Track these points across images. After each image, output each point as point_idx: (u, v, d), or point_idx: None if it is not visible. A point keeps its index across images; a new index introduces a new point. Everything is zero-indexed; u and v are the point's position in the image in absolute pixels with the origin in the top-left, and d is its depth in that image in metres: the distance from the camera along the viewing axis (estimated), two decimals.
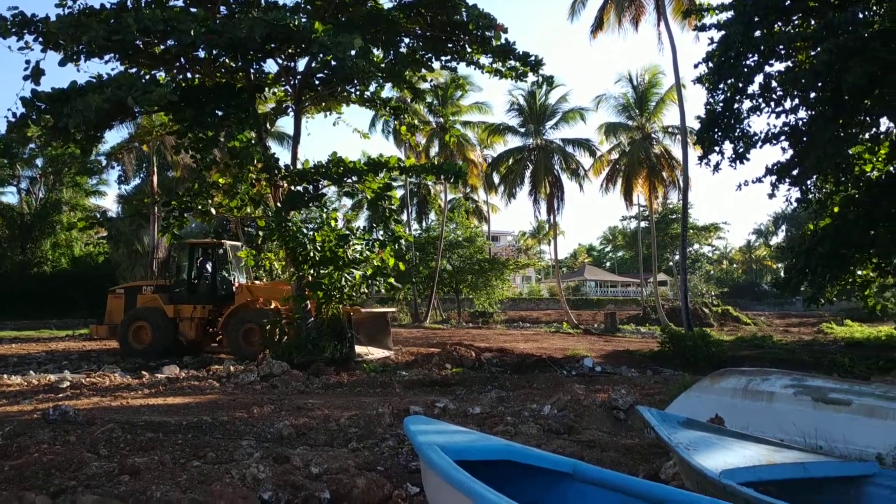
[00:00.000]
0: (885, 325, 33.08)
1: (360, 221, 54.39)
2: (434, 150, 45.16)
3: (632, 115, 45.47)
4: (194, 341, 19.41)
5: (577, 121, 46.54)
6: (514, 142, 47.14)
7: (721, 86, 21.52)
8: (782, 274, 21.47)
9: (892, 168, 20.46)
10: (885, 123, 21.40)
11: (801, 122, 20.96)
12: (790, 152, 21.02)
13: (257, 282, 20.68)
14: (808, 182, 21.43)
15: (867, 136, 21.13)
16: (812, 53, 19.24)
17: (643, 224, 60.09)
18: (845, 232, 18.93)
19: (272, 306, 18.54)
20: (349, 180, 17.70)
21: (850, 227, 18.94)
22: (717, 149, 21.55)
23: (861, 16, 18.75)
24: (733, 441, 5.06)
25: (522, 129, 46.08)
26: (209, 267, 20.21)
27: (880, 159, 21.14)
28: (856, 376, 14.51)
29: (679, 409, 7.95)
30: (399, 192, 46.34)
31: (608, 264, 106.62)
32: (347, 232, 17.44)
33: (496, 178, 49.46)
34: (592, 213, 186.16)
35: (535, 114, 45.50)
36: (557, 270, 56.45)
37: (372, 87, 19.33)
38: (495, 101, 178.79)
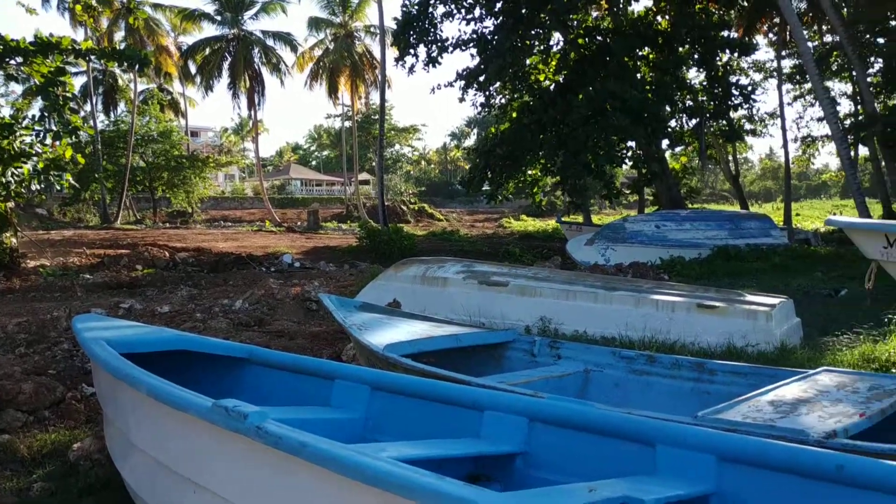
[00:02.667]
0: (554, 219, 37.64)
1: (35, 111, 47.99)
2: (120, 34, 40.92)
3: (335, 11, 45.01)
4: None
5: (279, 13, 44.95)
6: (211, 30, 44.34)
7: None
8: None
9: (560, 79, 22.86)
10: (556, 37, 23.74)
11: (487, 31, 22.47)
12: (478, 59, 22.50)
13: None
14: (492, 88, 23.23)
15: (542, 48, 23.26)
16: None
17: (348, 124, 60.77)
18: (520, 136, 20.96)
19: None
20: (13, 62, 15.47)
21: (523, 131, 20.99)
22: (412, 51, 22.36)
23: None
24: (402, 320, 5.60)
25: (219, 18, 43.40)
26: None
27: (551, 70, 23.48)
28: (523, 263, 16.40)
29: (367, 297, 8.48)
30: (81, 80, 41.59)
31: (314, 163, 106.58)
32: (12, 121, 15.37)
33: (193, 69, 46.37)
34: (299, 110, 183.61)
35: (233, 2, 43.02)
36: (259, 169, 55.33)
37: None
38: None
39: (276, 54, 44.34)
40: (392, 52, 25.88)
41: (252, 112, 45.68)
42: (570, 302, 7.60)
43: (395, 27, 23.23)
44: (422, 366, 4.20)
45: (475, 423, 3.16)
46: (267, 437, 2.14)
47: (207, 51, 43.60)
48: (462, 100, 23.27)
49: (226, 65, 43.08)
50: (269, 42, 44.23)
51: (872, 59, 25.78)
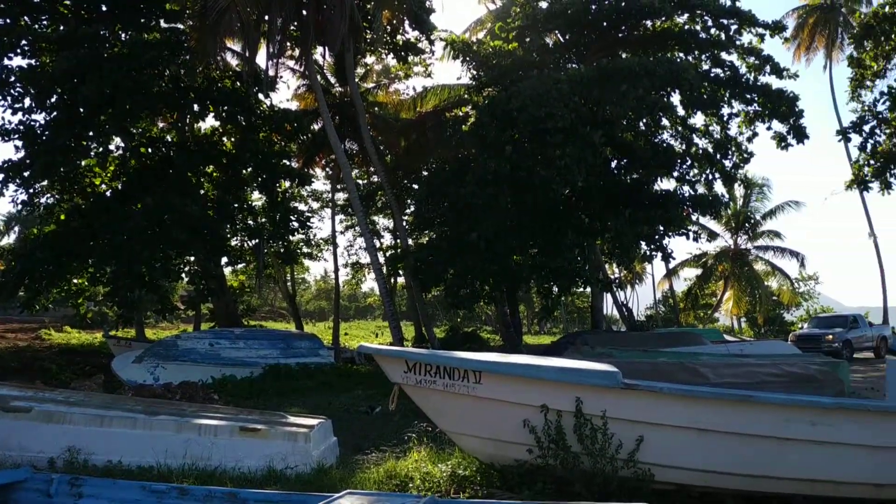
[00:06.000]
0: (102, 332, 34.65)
1: None
2: None
3: None
4: None
5: None
6: None
7: None
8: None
9: (118, 185, 21.77)
10: (117, 141, 22.73)
11: (37, 125, 20.54)
12: (23, 153, 20.34)
13: None
14: (38, 185, 21.05)
15: (100, 150, 22.02)
16: (56, 58, 19.16)
17: None
18: (67, 241, 19.21)
19: None
20: None
21: (71, 235, 19.30)
22: None
23: (104, 33, 19.59)
24: None
25: None
26: None
27: (109, 175, 22.27)
28: (61, 382, 14.77)
29: None
30: None
31: None
32: None
33: None
34: None
35: None
36: None
37: None
38: None
39: None
40: None
41: None
42: (105, 429, 6.95)
43: None
44: None
45: None
46: None
47: None
48: (1, 194, 20.59)
49: None
50: None
51: (409, 201, 29.77)
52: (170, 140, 22.98)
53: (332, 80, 27.40)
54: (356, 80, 24.61)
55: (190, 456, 6.49)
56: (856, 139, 22.34)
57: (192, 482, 5.58)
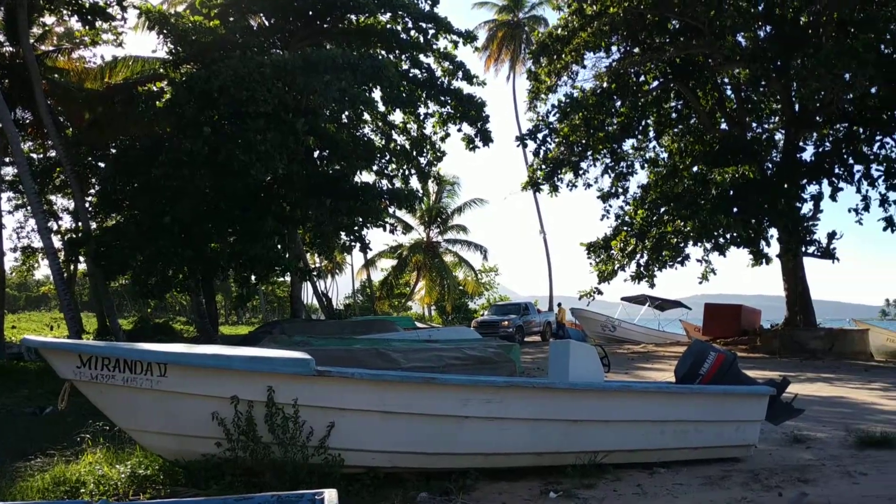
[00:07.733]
0: None
1: None
2: None
3: None
4: None
5: None
6: None
7: None
8: None
9: None
10: None
11: None
12: None
13: None
14: None
15: None
16: None
17: None
18: None
19: None
20: None
21: None
22: None
23: None
24: None
25: None
26: None
27: None
28: None
29: None
30: None
31: None
32: None
33: None
34: None
35: None
36: None
37: None
38: None
39: None
40: None
41: None
42: None
43: None
44: None
45: None
46: None
47: None
48: None
49: None
50: None
51: (93, 179, 27.11)
52: None
53: (2, 38, 23.98)
54: (31, 40, 21.82)
55: None
56: (531, 145, 24.89)
57: None
